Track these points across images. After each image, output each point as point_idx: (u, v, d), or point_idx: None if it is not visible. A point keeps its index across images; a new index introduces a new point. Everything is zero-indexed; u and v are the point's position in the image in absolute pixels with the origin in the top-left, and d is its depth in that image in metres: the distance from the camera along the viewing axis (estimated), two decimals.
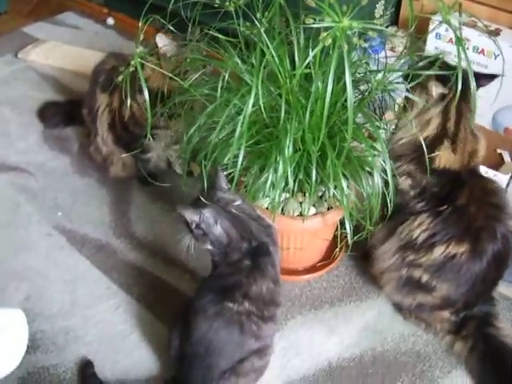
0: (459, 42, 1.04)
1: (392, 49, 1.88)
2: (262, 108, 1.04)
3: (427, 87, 1.25)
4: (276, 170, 1.12)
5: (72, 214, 1.64)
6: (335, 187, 1.20)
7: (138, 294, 1.42)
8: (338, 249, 1.42)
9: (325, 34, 0.92)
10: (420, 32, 1.76)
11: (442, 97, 1.26)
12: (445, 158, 1.25)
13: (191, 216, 1.11)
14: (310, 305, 1.40)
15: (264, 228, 1.18)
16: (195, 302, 1.15)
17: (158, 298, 1.41)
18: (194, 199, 1.15)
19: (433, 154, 1.24)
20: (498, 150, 1.64)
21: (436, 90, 1.25)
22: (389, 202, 1.19)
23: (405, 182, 1.28)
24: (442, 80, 1.23)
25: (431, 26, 1.70)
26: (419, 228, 1.25)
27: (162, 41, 1.48)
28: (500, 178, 1.56)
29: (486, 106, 1.62)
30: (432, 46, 1.74)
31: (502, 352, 1.24)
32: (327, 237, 1.39)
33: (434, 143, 1.25)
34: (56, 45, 2.34)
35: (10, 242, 1.55)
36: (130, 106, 1.41)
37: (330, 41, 0.91)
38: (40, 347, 1.30)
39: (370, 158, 1.13)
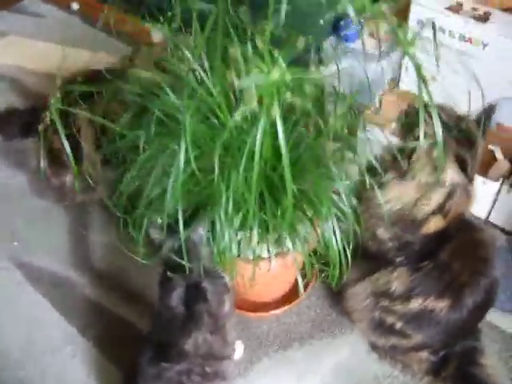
0: (423, 81, 0.87)
1: (372, 33, 1.70)
2: (195, 167, 0.90)
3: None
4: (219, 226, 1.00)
5: (29, 243, 1.54)
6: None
7: (94, 337, 1.34)
8: (306, 280, 1.30)
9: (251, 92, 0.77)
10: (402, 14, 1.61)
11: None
12: (434, 225, 1.12)
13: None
14: (278, 344, 1.30)
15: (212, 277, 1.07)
16: (138, 359, 1.06)
17: (115, 339, 1.33)
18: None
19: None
20: (490, 147, 1.50)
21: (453, 176, 1.09)
22: (347, 248, 1.05)
23: (383, 233, 1.15)
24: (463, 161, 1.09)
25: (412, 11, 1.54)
26: (397, 280, 1.13)
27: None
28: (489, 186, 1.44)
29: (475, 96, 1.49)
30: (415, 17, 1.56)
31: None
32: (289, 277, 1.27)
33: (427, 218, 1.11)
34: (14, 40, 2.18)
35: None
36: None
37: (255, 103, 0.77)
38: None
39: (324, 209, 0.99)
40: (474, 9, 1.51)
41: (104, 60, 1.90)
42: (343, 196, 1.04)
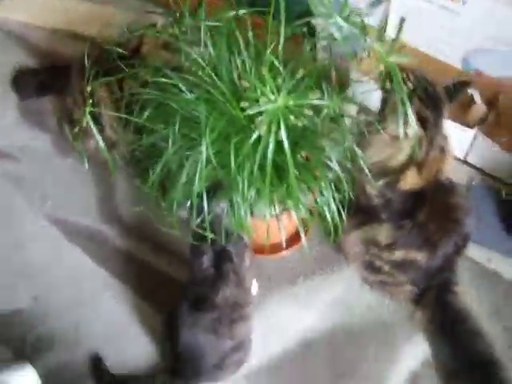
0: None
1: None
2: (215, 164, 1.09)
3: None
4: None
5: (60, 202, 1.73)
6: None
7: (131, 283, 1.57)
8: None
9: (260, 118, 0.95)
10: None
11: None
12: (410, 180, 1.31)
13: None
14: (285, 281, 1.55)
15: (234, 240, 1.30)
16: (177, 310, 1.32)
17: (149, 284, 1.56)
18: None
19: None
20: (469, 91, 1.66)
21: (415, 131, 1.25)
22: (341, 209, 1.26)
23: (371, 190, 1.35)
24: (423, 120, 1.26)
25: None
26: (383, 234, 1.35)
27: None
28: (464, 135, 1.62)
29: (456, 46, 1.64)
30: None
31: (456, 319, 1.40)
32: (293, 226, 1.48)
33: (402, 169, 1.30)
34: None
35: (7, 239, 1.67)
36: None
37: (264, 128, 0.94)
38: (55, 345, 1.49)
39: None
40: None
41: (112, 15, 2.00)
42: (335, 162, 1.21)
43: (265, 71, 0.93)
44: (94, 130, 1.19)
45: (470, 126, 1.62)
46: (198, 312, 1.29)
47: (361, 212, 1.39)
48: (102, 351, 1.47)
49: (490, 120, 1.62)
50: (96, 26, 2.01)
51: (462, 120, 1.63)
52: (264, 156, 1.01)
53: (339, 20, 0.95)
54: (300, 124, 0.95)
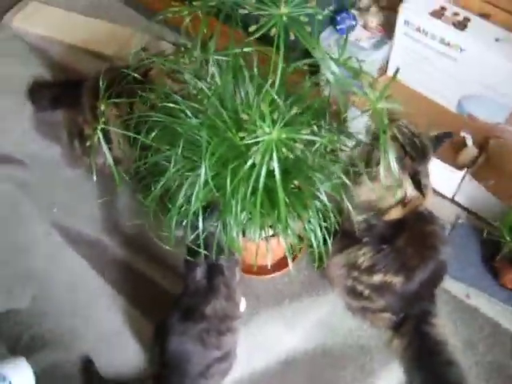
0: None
1: (365, 26, 1.90)
2: (212, 186, 1.18)
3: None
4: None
5: (66, 210, 1.81)
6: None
7: (126, 293, 1.65)
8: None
9: (255, 148, 1.04)
10: (394, 8, 1.80)
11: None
12: (394, 214, 1.41)
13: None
14: (272, 301, 1.62)
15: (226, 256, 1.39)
16: (168, 320, 1.39)
17: (143, 294, 1.64)
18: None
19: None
20: (462, 133, 1.76)
21: (411, 192, 1.37)
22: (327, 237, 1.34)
23: (355, 216, 1.41)
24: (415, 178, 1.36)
25: (400, 13, 1.73)
26: (363, 256, 1.43)
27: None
28: (454, 176, 1.70)
29: (452, 90, 1.75)
30: (401, 32, 1.77)
31: (432, 350, 1.47)
32: (282, 250, 1.56)
33: (389, 209, 1.40)
34: (38, 7, 2.30)
35: (12, 242, 1.75)
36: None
37: (259, 157, 1.03)
38: (49, 346, 1.56)
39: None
40: (456, 14, 1.69)
41: (129, 36, 2.09)
42: (324, 194, 1.30)
43: (264, 107, 1.02)
44: (104, 147, 1.27)
45: (460, 167, 1.71)
46: (187, 322, 1.37)
47: (344, 236, 1.48)
48: (93, 354, 1.54)
49: (480, 162, 1.71)
50: (113, 46, 2.12)
51: (453, 161, 1.72)
52: (257, 181, 1.10)
53: (332, 65, 1.04)
54: (291, 156, 1.03)
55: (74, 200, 1.84)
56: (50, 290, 1.67)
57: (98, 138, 1.25)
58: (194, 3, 1.21)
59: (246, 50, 1.15)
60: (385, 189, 1.35)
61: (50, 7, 2.31)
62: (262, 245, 1.36)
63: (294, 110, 1.04)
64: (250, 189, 1.15)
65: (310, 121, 1.21)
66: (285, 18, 1.03)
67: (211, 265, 1.38)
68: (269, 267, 1.48)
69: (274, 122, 1.04)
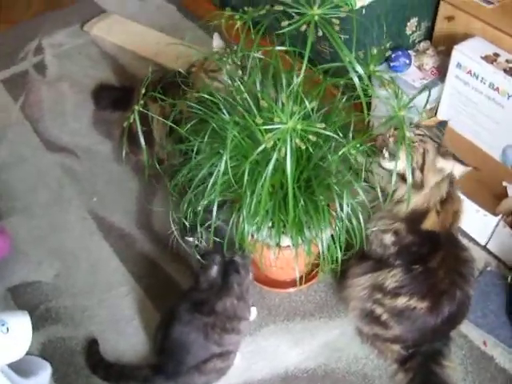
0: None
1: (420, 67, 1.93)
2: (231, 176, 1.22)
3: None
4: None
5: (105, 201, 1.91)
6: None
7: (145, 285, 1.69)
8: (317, 269, 1.60)
9: (270, 134, 1.08)
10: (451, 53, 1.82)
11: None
12: (431, 220, 1.38)
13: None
14: (284, 315, 1.61)
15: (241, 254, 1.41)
16: (176, 308, 1.41)
17: (161, 290, 1.67)
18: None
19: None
20: (504, 183, 1.72)
21: (460, 170, 1.36)
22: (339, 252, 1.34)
23: (389, 239, 1.42)
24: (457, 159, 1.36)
25: (453, 55, 1.75)
26: (392, 278, 1.40)
27: (217, 41, 1.64)
28: (488, 222, 1.66)
29: (497, 137, 1.74)
30: (452, 74, 1.79)
31: None
32: (300, 264, 1.56)
33: (426, 211, 1.38)
34: (118, 20, 2.52)
35: (51, 220, 1.86)
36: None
37: (271, 143, 1.07)
38: (61, 320, 1.62)
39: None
40: (508, 61, 1.70)
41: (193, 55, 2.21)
42: (344, 211, 1.31)
43: (284, 98, 1.07)
44: (139, 128, 1.35)
45: (495, 214, 1.67)
46: (195, 313, 1.38)
47: (374, 260, 1.46)
48: (100, 336, 1.57)
49: None
50: (179, 62, 2.25)
51: (492, 210, 1.68)
52: (267, 168, 1.13)
53: (357, 66, 1.07)
54: (303, 147, 1.06)
55: (114, 193, 1.93)
56: (74, 270, 1.74)
57: (134, 118, 1.31)
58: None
59: (278, 48, 1.20)
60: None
61: (128, 21, 2.51)
62: (283, 258, 1.38)
63: (313, 104, 1.07)
64: (265, 182, 1.18)
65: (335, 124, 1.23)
66: (316, 18, 1.07)
67: (226, 262, 1.40)
68: (284, 279, 1.48)
69: (291, 114, 1.07)
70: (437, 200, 1.38)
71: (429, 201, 1.37)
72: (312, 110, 1.10)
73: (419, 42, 2.00)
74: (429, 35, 2.02)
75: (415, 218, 1.39)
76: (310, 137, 1.06)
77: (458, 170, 1.35)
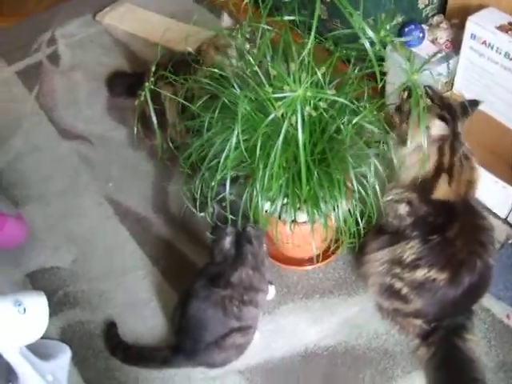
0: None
1: (434, 41, 1.89)
2: (243, 149, 1.21)
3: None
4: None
5: (121, 186, 1.91)
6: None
7: (162, 267, 1.69)
8: (335, 245, 1.57)
9: (280, 103, 1.06)
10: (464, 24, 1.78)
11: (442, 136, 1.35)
12: (442, 189, 1.36)
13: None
14: (302, 293, 1.60)
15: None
16: (192, 285, 1.41)
17: (178, 271, 1.67)
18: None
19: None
20: None
21: (439, 130, 1.34)
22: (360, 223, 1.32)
23: (404, 209, 1.40)
24: (444, 119, 1.34)
25: (467, 26, 1.71)
26: (409, 250, 1.37)
27: (226, 21, 1.64)
28: (508, 192, 1.63)
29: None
30: (467, 46, 1.75)
31: (460, 364, 1.38)
32: (317, 239, 1.54)
33: (434, 177, 1.36)
34: (130, 8, 2.53)
35: (67, 207, 1.86)
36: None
37: (282, 111, 1.05)
38: (79, 304, 1.62)
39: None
40: None
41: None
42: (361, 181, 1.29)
43: (294, 67, 1.05)
44: (150, 104, 1.34)
45: None
46: (211, 287, 1.38)
47: (390, 233, 1.44)
48: (118, 319, 1.57)
49: None
50: (192, 46, 2.24)
51: (507, 179, 1.64)
52: (278, 137, 1.12)
53: (369, 31, 1.04)
54: (314, 114, 1.04)
55: (129, 178, 1.93)
56: (90, 254, 1.74)
57: (145, 95, 1.31)
58: None
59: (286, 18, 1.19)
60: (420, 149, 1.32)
61: (140, 9, 2.51)
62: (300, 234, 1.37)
63: (322, 71, 1.05)
64: (277, 152, 1.16)
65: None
66: None
67: (239, 233, 1.39)
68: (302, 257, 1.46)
69: (300, 82, 1.06)
70: (440, 167, 1.36)
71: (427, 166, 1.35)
72: (323, 78, 1.08)
73: (432, 15, 1.96)
74: (442, 9, 1.98)
75: (424, 187, 1.37)
76: (321, 103, 1.04)
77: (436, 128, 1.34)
